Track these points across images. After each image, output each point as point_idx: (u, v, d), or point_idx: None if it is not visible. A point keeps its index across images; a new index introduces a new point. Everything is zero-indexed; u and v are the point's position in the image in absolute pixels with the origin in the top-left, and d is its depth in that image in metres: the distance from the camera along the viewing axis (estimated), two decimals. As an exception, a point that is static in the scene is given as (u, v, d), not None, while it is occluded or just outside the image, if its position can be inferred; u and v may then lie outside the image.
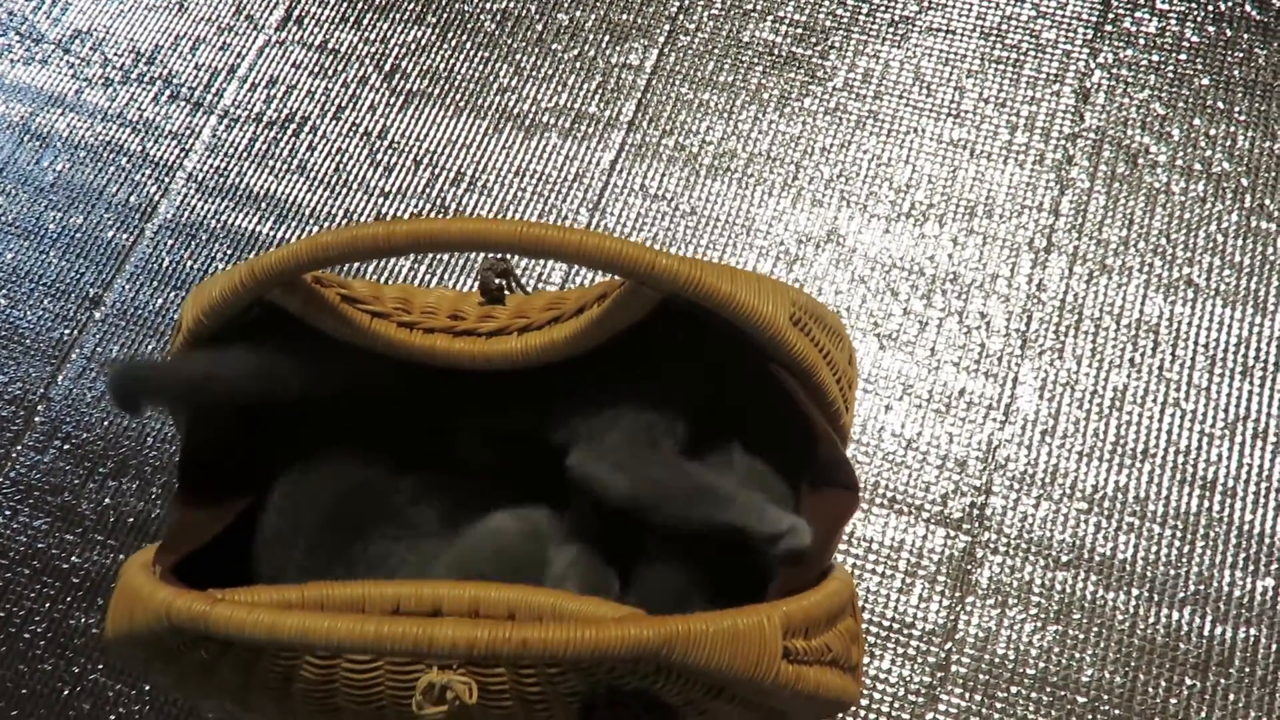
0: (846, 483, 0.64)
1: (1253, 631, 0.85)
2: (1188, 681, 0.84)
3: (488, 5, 1.18)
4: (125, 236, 1.11)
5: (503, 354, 0.64)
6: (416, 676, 0.57)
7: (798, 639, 0.56)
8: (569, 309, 0.64)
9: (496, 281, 0.71)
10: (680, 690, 0.57)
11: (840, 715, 0.85)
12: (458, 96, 1.14)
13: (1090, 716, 0.83)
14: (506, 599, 0.56)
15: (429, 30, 1.18)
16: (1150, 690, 0.84)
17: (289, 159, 1.13)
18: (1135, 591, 0.87)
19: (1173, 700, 0.83)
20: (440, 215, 1.08)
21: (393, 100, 1.15)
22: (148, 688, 0.92)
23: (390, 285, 0.71)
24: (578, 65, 1.14)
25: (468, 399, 0.69)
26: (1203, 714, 0.83)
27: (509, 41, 1.16)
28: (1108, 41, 1.08)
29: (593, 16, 1.16)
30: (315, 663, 0.60)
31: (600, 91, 1.12)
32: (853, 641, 0.63)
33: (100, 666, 0.93)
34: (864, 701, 0.85)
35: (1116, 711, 0.83)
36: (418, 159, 1.12)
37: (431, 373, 0.65)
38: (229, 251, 1.09)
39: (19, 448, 1.02)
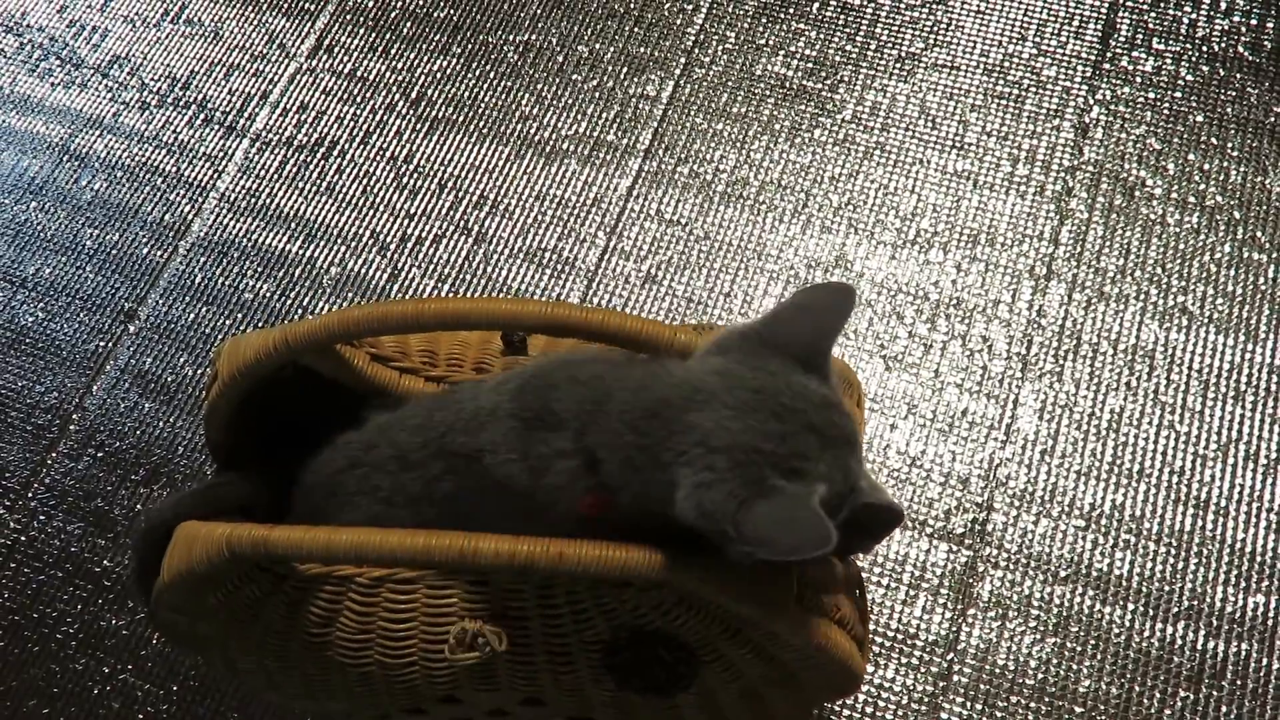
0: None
1: (1245, 646, 0.88)
2: (1181, 694, 0.87)
3: (511, 37, 1.24)
4: (159, 253, 1.16)
5: None
6: (449, 629, 0.61)
7: (809, 588, 0.60)
8: None
9: (519, 334, 0.74)
10: (699, 628, 0.60)
11: (845, 713, 0.88)
12: (481, 124, 1.19)
13: (1087, 726, 0.86)
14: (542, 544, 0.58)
15: (454, 60, 1.23)
16: (1145, 702, 0.87)
17: (318, 181, 1.18)
18: (1131, 606, 0.90)
19: (1166, 712, 0.86)
20: (463, 237, 1.13)
21: (419, 126, 1.19)
22: (175, 688, 0.95)
23: (417, 334, 0.75)
24: (597, 95, 1.19)
25: None
26: (1196, 725, 0.86)
27: (531, 72, 1.21)
28: (1106, 79, 1.13)
29: (612, 49, 1.21)
30: (356, 605, 0.64)
31: (618, 120, 1.17)
32: (860, 617, 0.67)
33: (130, 667, 0.96)
34: (868, 709, 0.88)
35: (1113, 722, 0.86)
36: (442, 183, 1.16)
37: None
38: (259, 269, 1.13)
39: (54, 455, 1.06)
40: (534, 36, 1.23)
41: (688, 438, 0.54)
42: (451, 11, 1.26)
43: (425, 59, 1.23)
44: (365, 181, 1.17)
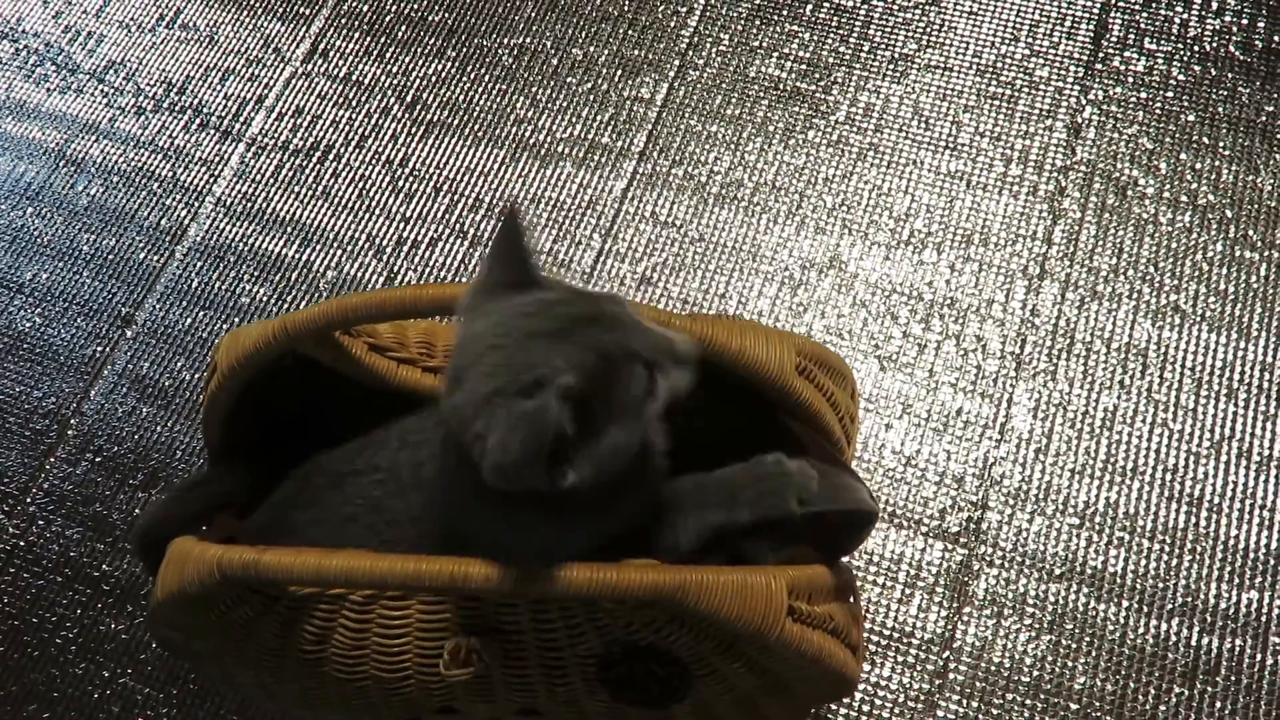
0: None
1: (1238, 642, 0.88)
2: (1176, 689, 0.87)
3: (506, 40, 1.24)
4: (156, 258, 1.16)
5: None
6: (443, 644, 0.61)
7: (802, 601, 0.60)
8: None
9: None
10: (692, 644, 0.60)
11: (842, 712, 0.89)
12: (476, 127, 1.19)
13: (1082, 723, 0.87)
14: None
15: (449, 64, 1.23)
16: (1140, 698, 0.87)
17: (314, 185, 1.18)
18: (1125, 603, 0.90)
19: (1162, 707, 0.87)
20: (458, 239, 1.13)
21: (414, 130, 1.20)
22: (175, 691, 0.95)
23: (414, 325, 0.75)
24: (591, 98, 1.19)
25: None
26: (1190, 721, 0.86)
27: (526, 75, 1.21)
28: (1098, 79, 1.14)
29: (606, 52, 1.21)
30: (350, 623, 0.64)
31: (613, 123, 1.17)
32: (854, 622, 0.67)
33: (130, 671, 0.96)
34: (865, 707, 0.89)
35: (1108, 718, 0.86)
36: (437, 186, 1.16)
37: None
38: (255, 273, 1.14)
39: (53, 460, 1.06)
40: (528, 40, 1.23)
41: (457, 420, 0.55)
42: (446, 15, 1.26)
43: (420, 63, 1.24)
44: (361, 185, 1.17)
